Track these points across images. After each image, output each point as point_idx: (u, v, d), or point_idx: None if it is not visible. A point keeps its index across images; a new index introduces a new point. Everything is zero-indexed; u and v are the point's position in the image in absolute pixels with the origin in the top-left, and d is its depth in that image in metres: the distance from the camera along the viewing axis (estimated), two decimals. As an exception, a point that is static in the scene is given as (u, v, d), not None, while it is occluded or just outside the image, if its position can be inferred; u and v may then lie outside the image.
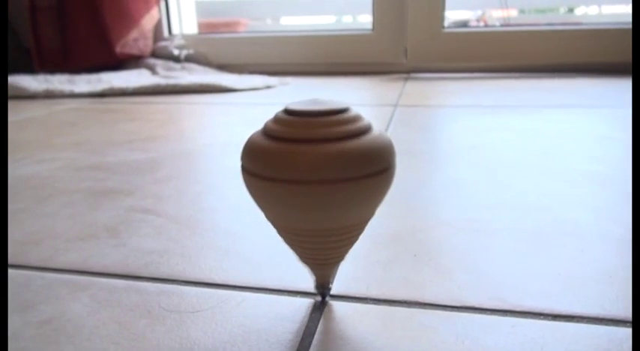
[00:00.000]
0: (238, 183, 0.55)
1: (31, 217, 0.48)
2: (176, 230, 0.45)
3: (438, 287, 0.34)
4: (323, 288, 0.32)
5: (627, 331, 0.29)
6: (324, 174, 0.26)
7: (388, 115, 0.92)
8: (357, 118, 0.28)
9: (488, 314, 0.31)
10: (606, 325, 0.30)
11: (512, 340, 0.29)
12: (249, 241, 0.42)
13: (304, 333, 0.30)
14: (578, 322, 0.30)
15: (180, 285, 0.36)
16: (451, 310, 0.32)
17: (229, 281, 0.36)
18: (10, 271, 0.38)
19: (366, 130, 0.27)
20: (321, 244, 0.29)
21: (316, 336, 0.30)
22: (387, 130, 0.81)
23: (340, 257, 0.31)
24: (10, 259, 0.40)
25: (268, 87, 1.29)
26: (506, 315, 0.31)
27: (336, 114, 0.27)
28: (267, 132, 0.27)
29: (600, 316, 0.31)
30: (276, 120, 0.28)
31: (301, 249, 0.30)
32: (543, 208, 0.47)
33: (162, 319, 0.32)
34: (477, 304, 0.32)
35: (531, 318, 0.31)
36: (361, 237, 0.31)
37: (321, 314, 0.32)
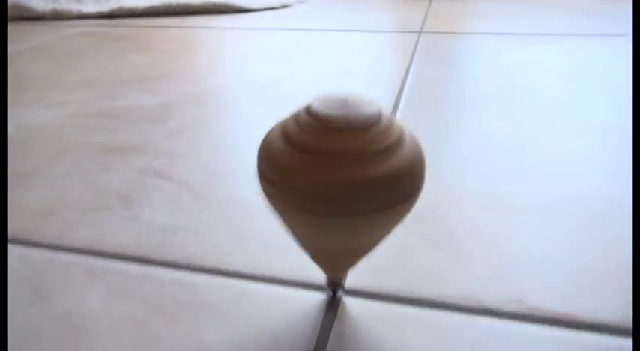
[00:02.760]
0: (254, 137, 0.53)
1: (43, 181, 0.48)
2: (189, 200, 0.44)
3: (456, 283, 0.33)
4: (335, 285, 0.32)
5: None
6: (348, 205, 0.23)
7: (411, 46, 0.86)
8: (388, 130, 0.24)
9: (506, 319, 0.30)
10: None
11: (529, 352, 0.28)
12: (264, 217, 0.41)
13: (318, 336, 0.30)
14: (602, 333, 0.29)
15: (194, 272, 0.35)
16: (468, 313, 0.31)
17: (243, 269, 0.35)
18: (26, 249, 0.38)
19: (397, 144, 0.24)
20: (335, 256, 0.27)
21: (330, 340, 0.29)
22: (410, 65, 0.76)
23: (355, 264, 0.29)
24: (25, 235, 0.40)
25: (284, 6, 1.21)
26: (526, 320, 0.30)
27: (367, 127, 0.24)
28: (288, 136, 0.25)
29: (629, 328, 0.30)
30: (299, 124, 0.25)
31: (315, 256, 0.28)
32: (576, 180, 0.44)
33: (176, 317, 0.32)
34: (495, 306, 0.31)
35: (552, 325, 0.30)
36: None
37: (335, 314, 0.31)
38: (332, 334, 0.30)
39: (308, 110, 0.25)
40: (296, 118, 0.25)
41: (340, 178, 0.23)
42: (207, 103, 0.65)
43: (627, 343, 0.29)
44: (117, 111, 0.64)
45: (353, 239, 0.25)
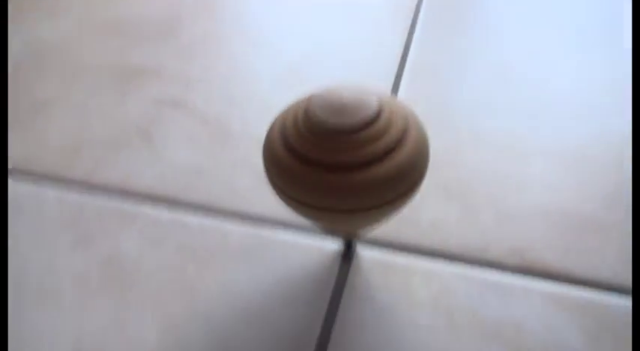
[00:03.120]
0: (268, 58, 0.52)
1: (62, 112, 0.48)
2: (207, 136, 0.45)
3: (463, 234, 0.36)
4: (349, 241, 0.34)
5: None
6: (350, 204, 0.25)
7: None
8: (388, 127, 0.24)
9: (507, 272, 0.33)
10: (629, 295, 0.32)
11: (527, 308, 0.32)
12: (281, 156, 0.42)
13: (334, 287, 0.33)
14: (596, 289, 0.32)
15: (219, 218, 0.38)
16: (472, 265, 0.34)
17: (265, 214, 0.38)
18: (59, 190, 0.41)
19: (397, 142, 0.25)
20: (342, 233, 0.30)
21: (344, 295, 0.33)
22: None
23: (364, 234, 0.32)
24: (57, 173, 0.42)
25: None
26: (525, 274, 0.33)
27: (367, 127, 0.24)
28: (291, 145, 0.25)
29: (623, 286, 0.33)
30: (299, 131, 0.25)
31: (323, 230, 0.31)
32: (593, 119, 0.44)
33: (207, 265, 0.35)
34: (497, 259, 0.34)
35: (549, 280, 0.33)
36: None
37: (349, 266, 0.34)
38: (346, 286, 0.33)
39: (306, 115, 0.25)
40: (295, 123, 0.25)
41: (342, 183, 0.24)
42: (219, 13, 0.62)
43: (621, 300, 0.32)
44: (125, 23, 0.61)
45: (357, 226, 0.27)
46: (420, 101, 0.47)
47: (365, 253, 0.35)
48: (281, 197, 0.27)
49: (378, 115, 0.25)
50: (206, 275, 0.35)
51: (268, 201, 0.39)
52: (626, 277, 0.33)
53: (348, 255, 0.35)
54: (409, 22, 0.58)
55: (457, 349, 0.30)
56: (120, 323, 0.32)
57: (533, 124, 0.44)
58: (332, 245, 0.36)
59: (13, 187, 0.41)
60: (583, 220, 0.36)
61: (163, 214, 0.39)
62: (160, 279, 0.35)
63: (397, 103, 0.26)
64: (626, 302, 0.31)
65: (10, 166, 0.43)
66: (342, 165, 0.24)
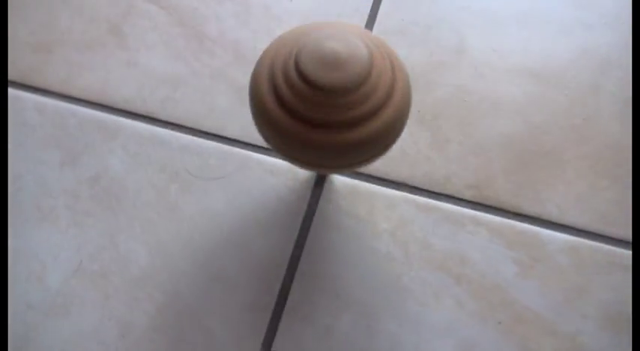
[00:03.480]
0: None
1: (30, 4, 0.45)
2: (183, 39, 0.43)
3: (427, 167, 0.38)
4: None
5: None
6: (334, 161, 0.26)
7: None
8: (376, 88, 0.25)
9: (463, 206, 0.37)
10: (608, 242, 0.36)
11: (473, 241, 0.36)
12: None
13: (304, 216, 0.37)
14: (539, 224, 0.36)
15: (199, 137, 0.39)
16: (432, 197, 0.37)
17: (242, 136, 0.39)
18: (37, 97, 0.41)
19: (383, 102, 0.25)
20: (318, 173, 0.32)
21: (314, 222, 0.37)
22: None
23: None
24: (33, 79, 0.42)
25: None
26: (478, 208, 0.37)
27: (355, 89, 0.25)
28: (281, 99, 0.25)
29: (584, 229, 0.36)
30: (290, 85, 0.25)
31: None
32: (580, 36, 0.42)
33: (189, 187, 0.38)
34: (454, 192, 0.37)
35: (499, 215, 0.36)
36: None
37: (321, 190, 0.37)
38: (317, 212, 0.37)
39: (298, 70, 0.25)
40: (286, 77, 0.25)
41: (328, 142, 0.25)
42: None
43: (557, 235, 0.36)
44: None
45: (336, 173, 0.29)
46: (403, 13, 0.44)
47: (336, 178, 0.38)
48: (272, 149, 0.28)
49: (368, 71, 0.25)
50: (187, 197, 0.38)
51: (245, 122, 0.40)
52: (568, 214, 0.36)
53: (320, 180, 0.38)
54: None
55: (408, 277, 0.35)
56: (114, 242, 0.36)
57: (519, 40, 0.42)
58: (306, 170, 0.38)
59: (-9, 94, 0.41)
60: (544, 153, 0.38)
61: (144, 129, 0.40)
62: (145, 199, 0.38)
63: (384, 50, 0.26)
64: (562, 237, 0.36)
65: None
66: (334, 124, 0.25)
